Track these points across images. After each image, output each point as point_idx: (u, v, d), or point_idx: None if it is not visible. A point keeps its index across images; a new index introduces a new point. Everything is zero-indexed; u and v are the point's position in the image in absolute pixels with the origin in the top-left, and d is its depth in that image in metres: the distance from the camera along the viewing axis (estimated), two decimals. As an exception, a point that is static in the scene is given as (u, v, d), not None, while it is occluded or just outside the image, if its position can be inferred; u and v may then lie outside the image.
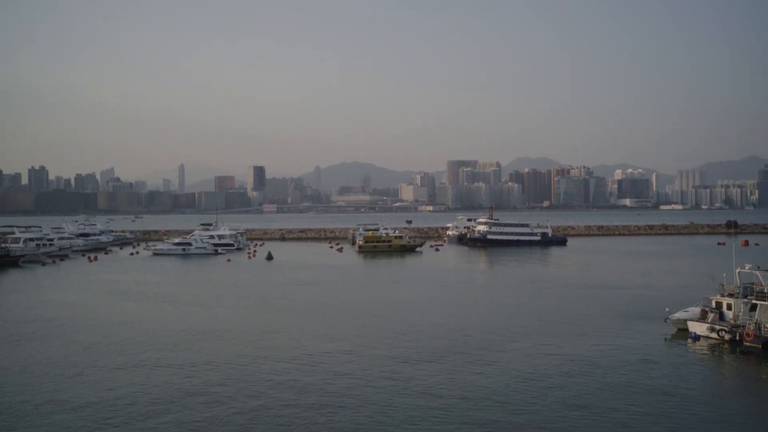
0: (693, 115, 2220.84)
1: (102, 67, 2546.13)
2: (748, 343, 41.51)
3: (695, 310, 47.28)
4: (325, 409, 30.97)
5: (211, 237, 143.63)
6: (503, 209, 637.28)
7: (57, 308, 62.22)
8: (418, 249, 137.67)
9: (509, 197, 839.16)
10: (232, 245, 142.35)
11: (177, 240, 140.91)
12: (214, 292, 73.82)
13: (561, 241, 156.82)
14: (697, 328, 45.39)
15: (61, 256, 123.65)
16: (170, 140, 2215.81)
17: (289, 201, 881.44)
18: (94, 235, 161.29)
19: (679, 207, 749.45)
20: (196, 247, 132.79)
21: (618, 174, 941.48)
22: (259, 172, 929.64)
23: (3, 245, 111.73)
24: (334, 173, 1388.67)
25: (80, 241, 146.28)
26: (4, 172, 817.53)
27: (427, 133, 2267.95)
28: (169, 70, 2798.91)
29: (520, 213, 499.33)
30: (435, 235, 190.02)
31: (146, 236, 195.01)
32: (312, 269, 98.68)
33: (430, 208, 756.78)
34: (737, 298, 44.76)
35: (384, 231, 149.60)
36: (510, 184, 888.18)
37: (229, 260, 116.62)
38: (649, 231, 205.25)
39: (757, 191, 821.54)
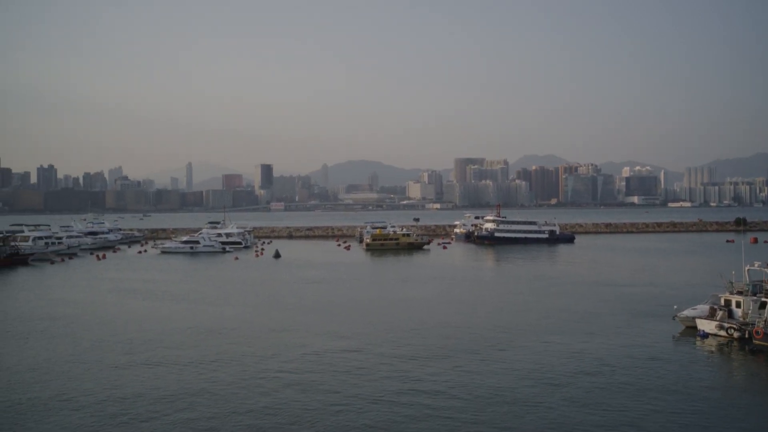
0: (697, 113, 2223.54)
1: (102, 67, 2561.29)
2: (757, 341, 41.27)
3: (704, 308, 47.12)
4: (332, 407, 30.97)
5: (219, 235, 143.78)
6: (511, 207, 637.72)
7: (65, 306, 62.53)
8: (425, 247, 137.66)
9: (517, 195, 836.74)
10: (239, 243, 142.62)
11: (185, 238, 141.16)
12: (222, 290, 73.96)
13: (569, 239, 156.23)
14: (706, 325, 45.20)
15: (70, 254, 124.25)
16: (176, 140, 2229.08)
17: (297, 199, 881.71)
18: (103, 233, 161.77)
19: (688, 204, 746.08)
20: (204, 246, 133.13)
21: (626, 171, 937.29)
22: (267, 170, 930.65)
23: (12, 244, 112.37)
24: (341, 171, 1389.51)
25: (89, 240, 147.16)
26: (13, 171, 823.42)
27: (433, 132, 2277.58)
28: (171, 70, 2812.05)
29: (528, 211, 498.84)
30: (442, 232, 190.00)
31: (154, 234, 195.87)
32: (319, 267, 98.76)
33: (438, 205, 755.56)
34: (746, 295, 44.56)
35: (391, 229, 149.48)
36: (517, 181, 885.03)
37: (236, 258, 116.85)
38: (658, 228, 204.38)
39: (766, 188, 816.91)
